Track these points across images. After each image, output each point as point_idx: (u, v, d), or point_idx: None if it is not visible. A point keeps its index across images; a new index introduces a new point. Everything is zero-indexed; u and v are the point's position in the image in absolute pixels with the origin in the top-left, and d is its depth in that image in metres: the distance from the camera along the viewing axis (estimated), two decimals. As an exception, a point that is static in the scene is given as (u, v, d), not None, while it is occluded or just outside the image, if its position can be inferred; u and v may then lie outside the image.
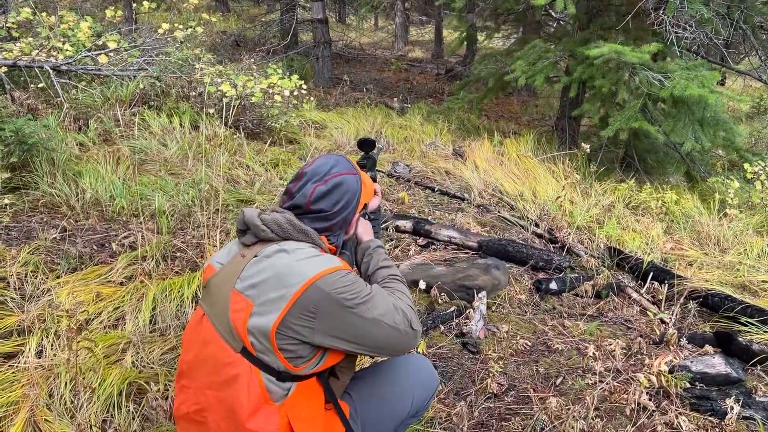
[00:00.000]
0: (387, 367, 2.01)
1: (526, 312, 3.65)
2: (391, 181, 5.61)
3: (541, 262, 4.14)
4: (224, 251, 1.80)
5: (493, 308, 3.65)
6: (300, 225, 1.69)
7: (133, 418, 2.18)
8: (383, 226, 4.42)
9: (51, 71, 5.83)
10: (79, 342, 2.20)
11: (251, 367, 1.60)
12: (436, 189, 5.44)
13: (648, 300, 3.93)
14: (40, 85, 5.70)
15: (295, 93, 6.47)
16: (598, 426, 2.58)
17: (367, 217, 2.19)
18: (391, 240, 4.31)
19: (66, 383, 2.19)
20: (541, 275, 4.09)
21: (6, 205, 3.89)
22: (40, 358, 2.43)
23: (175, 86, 6.00)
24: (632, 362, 3.21)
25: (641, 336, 3.44)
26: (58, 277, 3.17)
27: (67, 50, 6.13)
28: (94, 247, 3.62)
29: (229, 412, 1.62)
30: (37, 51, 5.96)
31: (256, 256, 1.66)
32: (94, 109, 5.61)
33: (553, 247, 4.59)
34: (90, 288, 3.02)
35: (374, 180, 2.23)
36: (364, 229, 2.03)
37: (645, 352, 3.27)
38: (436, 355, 3.17)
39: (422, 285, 3.58)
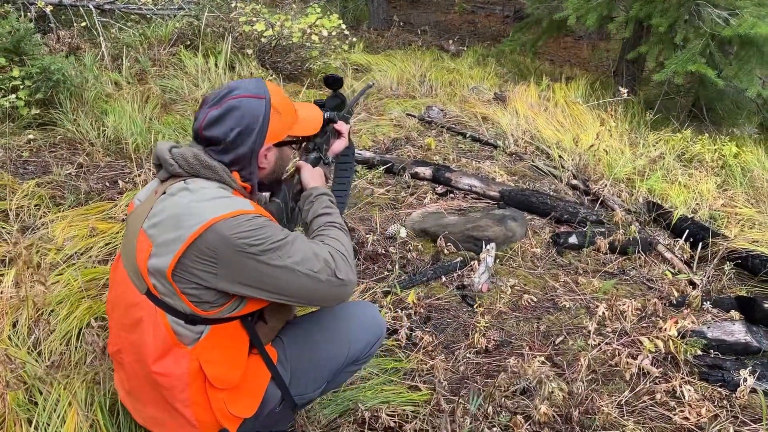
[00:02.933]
0: (325, 312, 1.90)
1: (537, 267, 3.44)
2: (421, 127, 5.40)
3: (566, 215, 3.88)
4: (147, 187, 1.72)
5: (503, 261, 3.46)
6: (206, 160, 1.56)
7: (93, 352, 2.18)
8: (399, 169, 4.26)
9: (94, 10, 5.91)
10: (34, 280, 2.21)
11: (156, 309, 1.53)
12: (467, 135, 5.19)
13: (681, 260, 3.62)
14: (83, 24, 5.79)
15: (334, 33, 6.28)
16: (581, 390, 2.39)
17: (329, 161, 2.05)
18: (408, 187, 4.15)
19: (27, 316, 2.22)
20: (564, 229, 3.84)
21: (30, 140, 4.00)
22: (18, 289, 2.48)
23: (212, 26, 5.94)
24: (644, 324, 2.97)
25: (660, 297, 3.17)
26: (60, 212, 3.23)
27: (111, -11, 6.18)
28: (107, 184, 3.66)
29: (138, 354, 1.57)
30: (82, -11, 6.04)
31: (164, 192, 1.57)
32: (133, 49, 5.65)
33: (587, 200, 4.30)
34: (87, 223, 3.05)
35: (342, 121, 2.07)
36: (310, 175, 1.87)
37: (661, 315, 3.02)
38: (432, 306, 3.04)
39: (403, 233, 3.44)
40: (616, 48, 10.80)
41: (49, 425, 1.81)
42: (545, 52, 9.90)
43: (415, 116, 5.57)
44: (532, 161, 4.77)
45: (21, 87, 4.20)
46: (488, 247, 3.37)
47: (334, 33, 6.31)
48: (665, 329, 2.78)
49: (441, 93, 6.40)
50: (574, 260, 3.54)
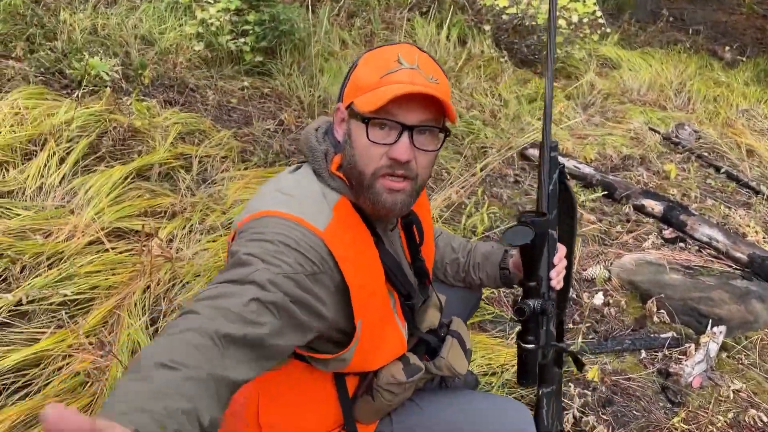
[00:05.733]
0: (460, 406, 1.40)
1: (781, 373, 2.56)
2: (663, 147, 4.48)
3: (840, 309, 2.86)
4: None
5: (732, 353, 2.62)
6: (311, 139, 1.20)
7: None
8: (622, 197, 3.49)
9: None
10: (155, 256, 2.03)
11: None
12: (722, 170, 4.18)
13: None
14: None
15: (585, 20, 5.50)
16: None
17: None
18: (627, 221, 3.39)
19: (156, 285, 2.06)
20: (831, 328, 2.84)
21: (244, 87, 3.98)
22: (170, 246, 2.36)
23: (454, -6, 5.56)
24: None
25: None
26: (245, 168, 3.11)
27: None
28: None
29: None
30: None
31: None
32: (370, 9, 5.48)
33: None
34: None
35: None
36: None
37: None
38: (618, 387, 2.38)
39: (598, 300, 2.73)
40: None
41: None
42: None
43: (659, 132, 4.66)
44: (805, 221, 3.68)
45: (250, 32, 4.21)
46: (715, 329, 2.58)
47: (585, 20, 5.53)
48: None
49: (699, 109, 5.32)
50: (839, 378, 2.57)
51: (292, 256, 0.99)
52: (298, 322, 0.98)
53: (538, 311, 1.28)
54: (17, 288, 1.99)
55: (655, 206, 3.45)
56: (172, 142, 2.97)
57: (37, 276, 2.05)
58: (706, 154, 4.44)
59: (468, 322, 1.81)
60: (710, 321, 2.62)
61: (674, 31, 8.22)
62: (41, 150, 2.65)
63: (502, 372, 2.24)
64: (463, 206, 3.20)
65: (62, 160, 2.65)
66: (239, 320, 0.87)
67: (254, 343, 0.87)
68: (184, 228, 2.43)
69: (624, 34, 7.38)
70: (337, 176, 1.15)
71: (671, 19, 8.50)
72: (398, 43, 1.17)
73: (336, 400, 1.25)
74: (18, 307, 1.94)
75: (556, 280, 1.34)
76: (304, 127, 3.63)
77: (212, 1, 4.32)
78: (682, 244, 3.26)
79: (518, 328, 1.36)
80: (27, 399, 1.72)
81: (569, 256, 1.41)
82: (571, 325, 2.64)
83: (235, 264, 0.96)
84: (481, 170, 3.45)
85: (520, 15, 5.51)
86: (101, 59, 3.24)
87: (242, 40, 4.19)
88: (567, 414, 2.15)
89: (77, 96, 2.91)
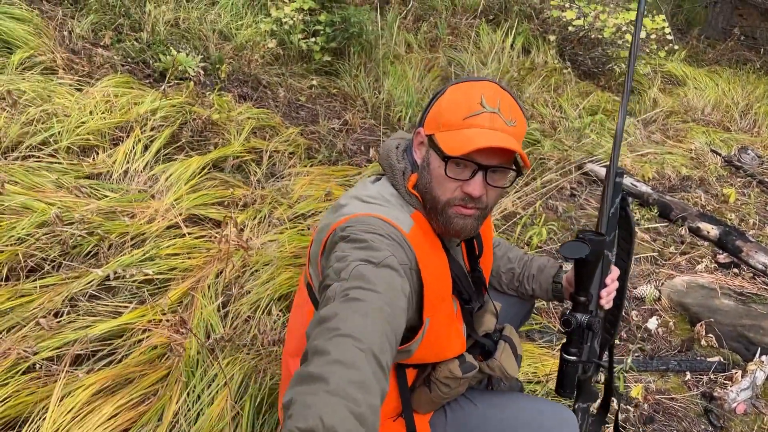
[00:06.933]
0: (513, 405, 1.50)
1: (829, 408, 2.55)
2: (724, 171, 4.43)
3: None
4: None
5: (780, 383, 2.63)
6: (392, 157, 1.31)
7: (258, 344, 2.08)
8: (677, 218, 3.50)
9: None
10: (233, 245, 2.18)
11: (307, 301, 1.39)
12: (785, 197, 4.13)
13: None
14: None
15: (653, 36, 5.46)
16: None
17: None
18: (681, 243, 3.40)
19: (229, 271, 2.22)
20: None
21: (312, 86, 4.14)
22: (242, 235, 2.52)
23: (521, 4, 5.58)
24: None
25: None
26: (310, 165, 3.26)
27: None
28: (361, 148, 3.63)
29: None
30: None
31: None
32: (437, 13, 5.57)
33: None
34: (327, 185, 3.02)
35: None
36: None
37: None
38: (661, 406, 2.43)
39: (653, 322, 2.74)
40: None
41: (198, 401, 1.76)
42: None
43: (720, 154, 4.61)
44: None
45: (321, 33, 4.36)
46: (764, 357, 2.59)
47: (653, 35, 5.49)
48: None
49: (765, 133, 5.23)
50: None
51: (401, 251, 1.15)
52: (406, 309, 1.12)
53: (584, 325, 1.37)
54: (106, 264, 2.18)
55: (711, 230, 3.45)
56: (246, 137, 3.14)
57: (122, 254, 2.24)
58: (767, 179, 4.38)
59: (517, 330, 1.90)
60: (759, 349, 2.63)
61: (744, 50, 8.01)
62: (127, 137, 2.86)
63: (546, 381, 2.31)
64: (518, 216, 3.28)
65: (146, 148, 2.85)
66: (402, 313, 1.06)
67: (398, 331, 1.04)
68: (254, 219, 2.59)
69: (692, 51, 7.25)
70: (413, 194, 1.28)
71: (742, 37, 8.28)
72: (482, 79, 1.26)
73: (396, 390, 1.37)
74: (106, 282, 2.13)
75: (606, 299, 1.43)
76: (368, 128, 3.77)
77: (287, 1, 4.49)
78: (736, 270, 3.26)
79: (563, 339, 1.45)
80: (111, 366, 1.90)
81: (623, 280, 1.49)
82: (616, 341, 2.69)
83: (366, 247, 1.10)
84: (543, 186, 3.51)
85: (586, 27, 5.51)
86: (187, 54, 3.43)
87: (313, 39, 4.35)
88: (608, 427, 2.22)
89: (164, 89, 3.10)
